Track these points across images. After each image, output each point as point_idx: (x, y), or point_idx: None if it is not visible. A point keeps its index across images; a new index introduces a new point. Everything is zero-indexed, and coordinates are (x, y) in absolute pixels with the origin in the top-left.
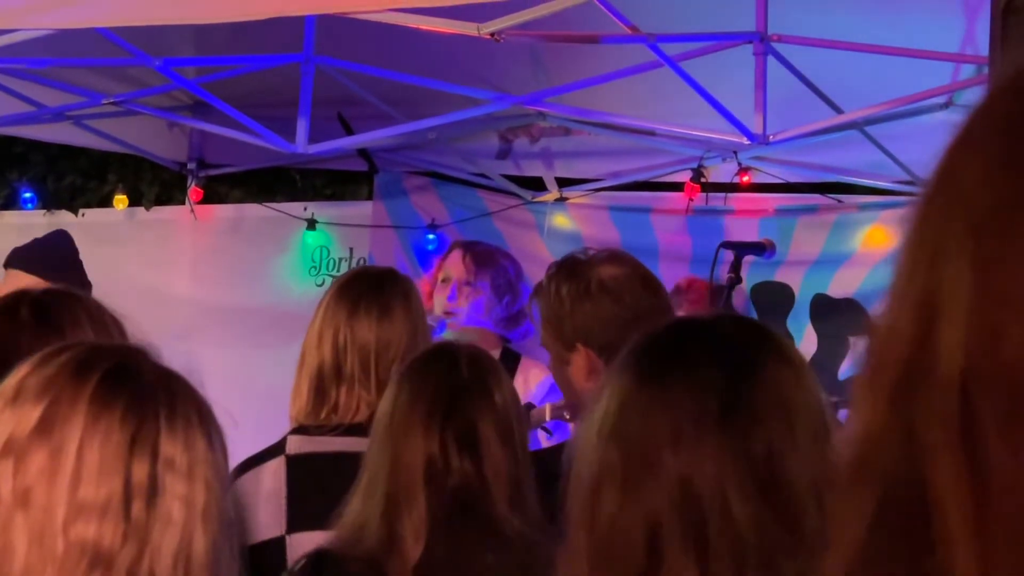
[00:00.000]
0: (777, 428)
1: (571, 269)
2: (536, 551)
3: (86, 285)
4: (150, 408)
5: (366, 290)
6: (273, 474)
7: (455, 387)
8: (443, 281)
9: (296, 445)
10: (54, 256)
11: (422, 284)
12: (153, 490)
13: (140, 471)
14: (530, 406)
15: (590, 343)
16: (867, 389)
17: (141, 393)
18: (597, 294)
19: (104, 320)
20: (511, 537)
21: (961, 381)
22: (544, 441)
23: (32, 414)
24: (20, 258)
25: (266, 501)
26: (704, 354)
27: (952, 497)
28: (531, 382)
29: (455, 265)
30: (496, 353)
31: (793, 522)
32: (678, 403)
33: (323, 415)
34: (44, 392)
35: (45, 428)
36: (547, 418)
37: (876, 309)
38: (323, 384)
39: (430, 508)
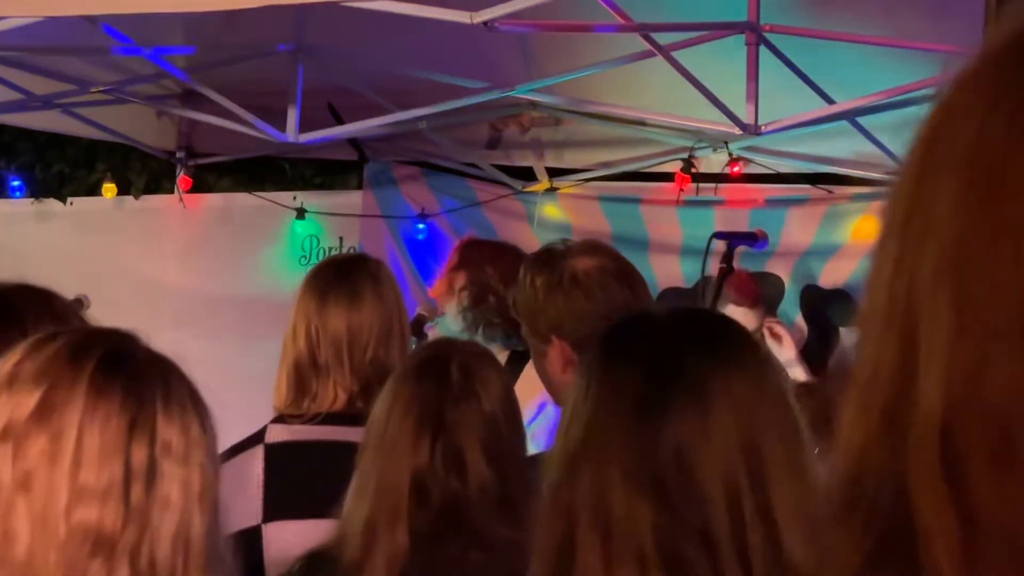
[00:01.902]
0: (689, 424)
1: (545, 261)
2: (524, 555)
3: None
4: (147, 393)
5: (333, 279)
6: (251, 463)
7: (443, 404)
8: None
9: (275, 434)
10: None
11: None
12: (152, 474)
13: (139, 455)
14: None
15: (563, 336)
16: (856, 417)
17: (138, 378)
18: (569, 288)
19: (68, 318)
20: (496, 544)
21: (942, 421)
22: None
23: (30, 399)
24: None
25: (244, 490)
26: (628, 352)
27: (938, 538)
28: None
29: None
30: (503, 356)
31: (699, 521)
32: (599, 403)
33: (304, 406)
34: (42, 377)
35: (44, 413)
36: None
37: (858, 334)
38: (301, 376)
39: (412, 528)
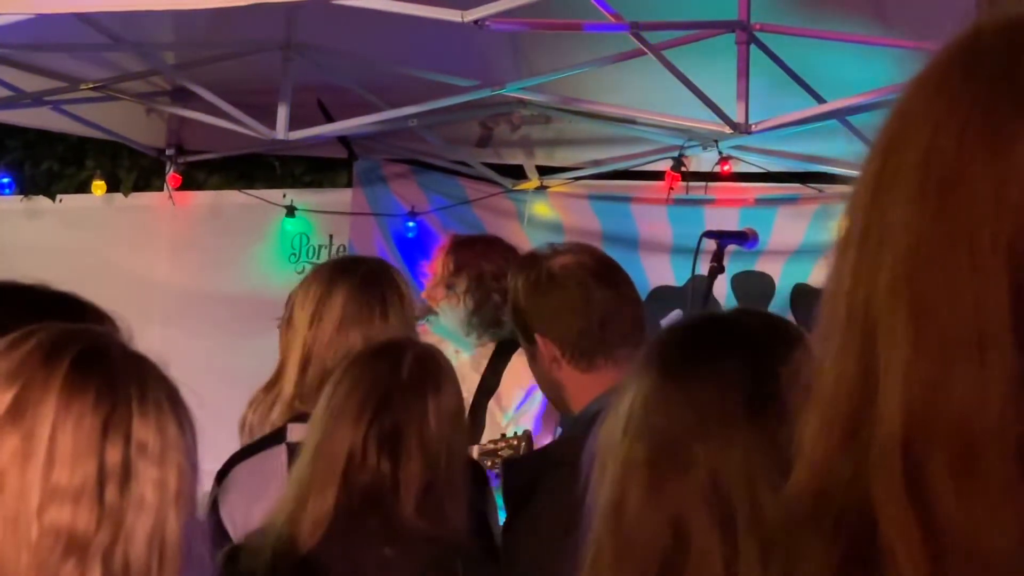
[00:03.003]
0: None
1: (528, 263)
2: (441, 552)
3: None
4: (122, 392)
5: (375, 292)
6: (274, 461)
7: (391, 387)
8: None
9: (298, 433)
10: None
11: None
12: (126, 474)
13: (113, 455)
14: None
15: (547, 334)
16: (817, 432)
17: (113, 377)
18: (547, 285)
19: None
20: (413, 537)
21: (904, 437)
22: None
23: (3, 398)
24: None
25: (267, 488)
26: (727, 349)
27: (903, 551)
28: (522, 379)
29: (437, 263)
30: (490, 347)
31: None
32: (704, 398)
33: None
34: (15, 376)
35: (17, 413)
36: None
37: (817, 348)
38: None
39: (338, 500)
